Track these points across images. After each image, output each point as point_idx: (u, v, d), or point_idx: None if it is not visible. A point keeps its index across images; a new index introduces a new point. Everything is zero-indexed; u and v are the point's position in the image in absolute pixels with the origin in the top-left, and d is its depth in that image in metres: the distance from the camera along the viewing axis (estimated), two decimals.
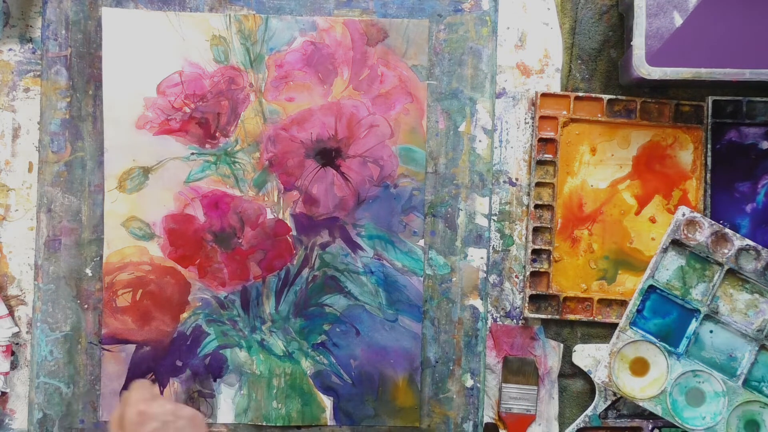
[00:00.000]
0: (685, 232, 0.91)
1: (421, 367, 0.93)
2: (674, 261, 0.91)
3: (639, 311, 0.91)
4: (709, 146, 0.93)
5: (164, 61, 0.92)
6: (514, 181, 0.95)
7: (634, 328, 0.91)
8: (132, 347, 0.93)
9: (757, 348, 0.90)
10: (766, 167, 0.93)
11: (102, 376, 0.92)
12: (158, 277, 0.92)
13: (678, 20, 0.87)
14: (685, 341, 0.91)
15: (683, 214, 0.91)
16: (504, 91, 0.95)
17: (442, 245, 0.93)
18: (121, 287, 0.92)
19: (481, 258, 0.93)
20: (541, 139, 0.94)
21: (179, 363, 0.93)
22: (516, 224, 0.95)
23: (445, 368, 0.93)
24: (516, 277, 0.94)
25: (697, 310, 0.91)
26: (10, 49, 0.94)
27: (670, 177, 0.94)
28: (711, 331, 0.91)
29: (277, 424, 0.93)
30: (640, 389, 0.91)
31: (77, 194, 0.92)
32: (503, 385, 0.93)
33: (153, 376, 0.92)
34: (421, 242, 0.93)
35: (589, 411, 0.93)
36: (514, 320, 0.94)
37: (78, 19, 0.92)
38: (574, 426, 0.93)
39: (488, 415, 0.94)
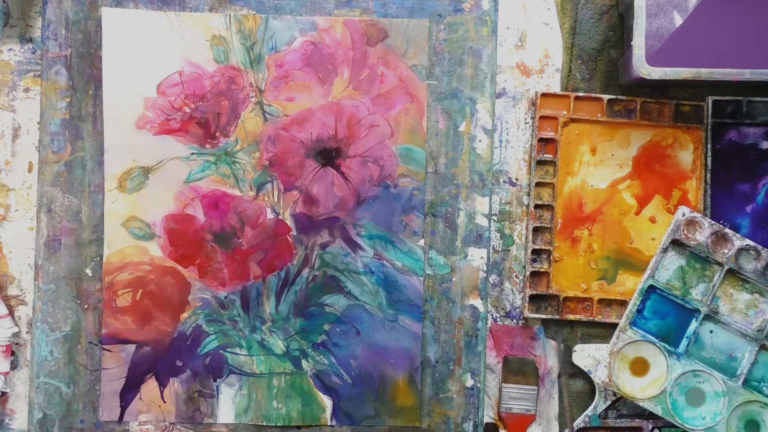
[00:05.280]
0: (685, 232, 0.91)
1: (421, 367, 0.93)
2: (674, 261, 0.91)
3: (639, 311, 0.91)
4: (709, 146, 0.93)
5: (164, 61, 0.92)
6: (514, 181, 0.95)
7: (634, 328, 0.91)
8: (132, 347, 0.93)
9: (757, 348, 0.90)
10: (766, 167, 0.93)
11: (102, 376, 0.92)
12: (158, 277, 0.92)
13: (678, 20, 0.87)
14: (685, 341, 0.91)
15: (683, 214, 0.91)
16: (504, 91, 0.95)
17: (442, 245, 0.93)
18: (121, 287, 0.92)
19: (481, 258, 0.93)
20: (541, 139, 0.94)
21: (179, 363, 0.93)
22: (516, 224, 0.95)
23: (445, 368, 0.93)
24: (516, 277, 0.94)
25: (697, 310, 0.91)
26: (10, 49, 0.94)
27: (670, 177, 0.94)
28: (711, 331, 0.91)
29: (278, 424, 0.93)
30: (640, 389, 0.91)
31: (77, 194, 0.92)
32: (503, 385, 0.93)
33: (153, 376, 0.93)
34: (421, 242, 0.93)
35: (589, 411, 0.93)
36: (514, 320, 0.95)
37: (78, 19, 0.92)
38: (574, 426, 0.93)
39: (488, 415, 0.94)
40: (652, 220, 0.94)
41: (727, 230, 0.90)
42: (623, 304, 0.93)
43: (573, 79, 0.95)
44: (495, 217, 0.94)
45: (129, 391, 0.92)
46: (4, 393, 0.93)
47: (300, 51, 0.92)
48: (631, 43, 0.86)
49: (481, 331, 0.93)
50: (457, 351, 0.93)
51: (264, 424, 0.93)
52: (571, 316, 0.93)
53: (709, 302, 0.90)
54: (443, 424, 0.93)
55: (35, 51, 0.94)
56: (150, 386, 0.93)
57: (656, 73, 0.86)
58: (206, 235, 0.93)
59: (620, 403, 0.94)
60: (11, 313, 0.93)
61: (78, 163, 0.92)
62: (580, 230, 0.94)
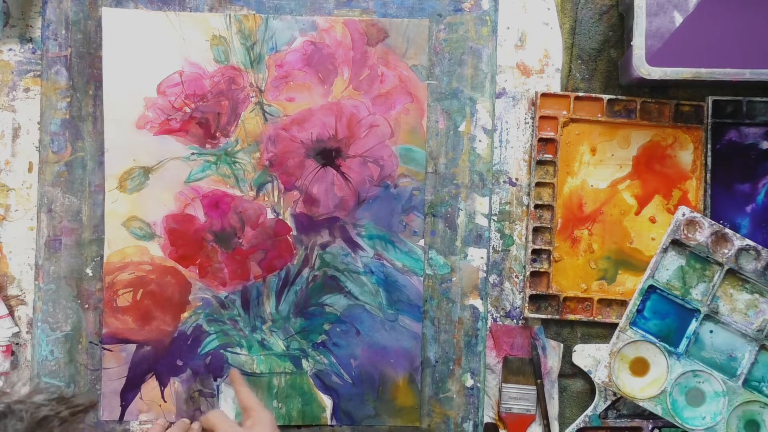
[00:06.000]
0: (685, 232, 0.91)
1: (421, 366, 0.93)
2: (674, 261, 0.91)
3: (639, 311, 0.91)
4: (709, 146, 0.93)
5: (164, 61, 0.92)
6: (514, 181, 0.95)
7: (634, 328, 0.91)
8: (132, 347, 0.93)
9: (757, 348, 0.90)
10: (766, 167, 0.93)
11: (103, 376, 0.92)
12: (159, 276, 0.93)
13: (678, 20, 0.87)
14: (685, 341, 0.91)
15: (683, 214, 0.91)
16: (504, 91, 0.94)
17: (442, 245, 0.93)
18: (122, 287, 0.92)
19: (481, 258, 0.93)
20: (541, 139, 0.94)
21: (180, 362, 0.93)
22: (516, 224, 0.95)
23: (445, 368, 0.93)
24: (516, 277, 0.94)
25: (697, 310, 0.91)
26: (10, 49, 0.94)
27: (670, 177, 0.94)
28: (711, 331, 0.91)
29: (278, 424, 0.93)
30: (640, 389, 0.91)
31: (78, 194, 0.92)
32: (503, 385, 0.93)
33: (153, 376, 0.93)
34: (421, 242, 0.93)
35: (589, 411, 0.93)
36: (514, 320, 0.95)
37: (78, 19, 0.92)
38: (574, 426, 0.93)
39: (488, 415, 0.94)
40: (652, 220, 0.94)
41: (727, 230, 0.90)
42: (623, 304, 0.93)
43: (573, 79, 0.95)
44: (495, 217, 0.94)
45: (129, 391, 0.93)
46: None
47: (300, 51, 0.92)
48: (631, 43, 0.86)
49: (481, 331, 0.93)
50: (457, 351, 0.93)
51: None
52: (571, 316, 0.93)
53: (709, 302, 0.90)
54: (443, 424, 0.93)
55: (35, 51, 0.94)
56: (150, 386, 0.93)
57: (656, 73, 0.85)
58: (207, 235, 0.93)
59: (620, 403, 0.94)
60: (11, 313, 0.93)
61: (78, 163, 0.92)
62: (580, 230, 0.94)
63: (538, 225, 0.94)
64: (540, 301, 0.94)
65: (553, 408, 0.94)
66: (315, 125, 0.92)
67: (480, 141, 0.93)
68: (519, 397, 0.93)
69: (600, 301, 0.93)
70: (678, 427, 0.90)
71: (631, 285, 0.93)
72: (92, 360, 0.92)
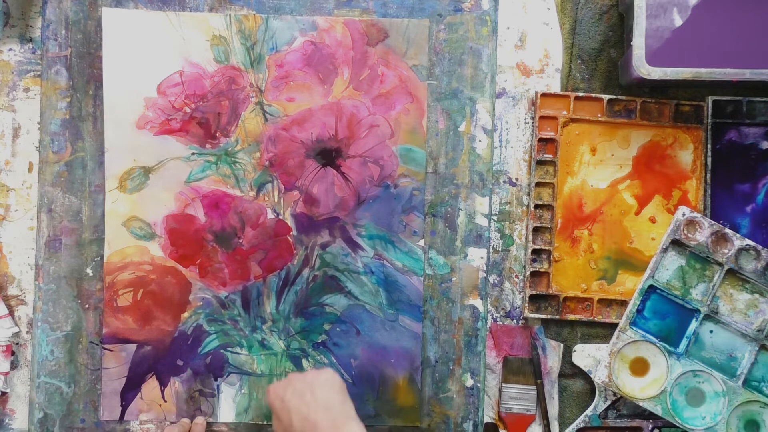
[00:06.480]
0: (685, 232, 0.91)
1: (422, 366, 0.93)
2: (674, 261, 0.91)
3: (639, 311, 0.91)
4: (709, 146, 0.93)
5: (164, 61, 0.92)
6: (514, 181, 0.95)
7: (634, 328, 0.91)
8: (133, 347, 0.93)
9: (757, 348, 0.90)
10: (766, 167, 0.93)
11: (103, 376, 0.92)
12: (159, 276, 0.93)
13: (678, 20, 0.87)
14: (685, 341, 0.91)
15: (683, 214, 0.91)
16: (504, 91, 0.94)
17: (442, 245, 0.93)
18: (122, 287, 0.92)
19: (481, 258, 0.93)
20: (541, 139, 0.94)
21: (180, 362, 0.93)
22: (516, 224, 0.95)
23: (445, 368, 0.93)
24: (516, 277, 0.94)
25: (697, 310, 0.91)
26: (10, 49, 0.94)
27: (670, 177, 0.94)
28: (711, 331, 0.91)
29: None
30: (640, 389, 0.91)
31: (78, 194, 0.93)
32: (503, 385, 0.93)
33: (154, 376, 0.93)
34: (421, 242, 0.93)
35: (589, 411, 0.93)
36: (514, 320, 0.95)
37: (78, 19, 0.92)
38: (574, 426, 0.93)
39: (488, 415, 0.94)
40: (652, 220, 0.94)
41: (727, 230, 0.90)
42: (623, 304, 0.93)
43: (573, 79, 0.95)
44: (495, 217, 0.94)
45: (130, 391, 0.93)
46: (4, 393, 0.94)
47: (300, 51, 0.92)
48: (631, 43, 0.86)
49: (481, 331, 0.93)
50: (457, 351, 0.93)
51: (264, 423, 0.93)
52: (571, 316, 0.93)
53: (709, 302, 0.90)
54: (443, 424, 0.93)
55: (35, 51, 0.94)
56: (151, 385, 0.93)
57: (656, 73, 0.85)
58: (207, 235, 0.93)
59: (620, 403, 0.94)
60: (11, 313, 0.93)
61: (78, 163, 0.93)
62: (580, 230, 0.94)
63: (538, 225, 0.94)
64: (540, 301, 0.94)
65: (553, 408, 0.94)
66: (315, 125, 0.92)
67: (480, 141, 0.93)
68: (519, 397, 0.93)
69: (600, 301, 0.93)
70: (678, 427, 0.90)
71: (631, 285, 0.93)
72: (92, 360, 0.93)
